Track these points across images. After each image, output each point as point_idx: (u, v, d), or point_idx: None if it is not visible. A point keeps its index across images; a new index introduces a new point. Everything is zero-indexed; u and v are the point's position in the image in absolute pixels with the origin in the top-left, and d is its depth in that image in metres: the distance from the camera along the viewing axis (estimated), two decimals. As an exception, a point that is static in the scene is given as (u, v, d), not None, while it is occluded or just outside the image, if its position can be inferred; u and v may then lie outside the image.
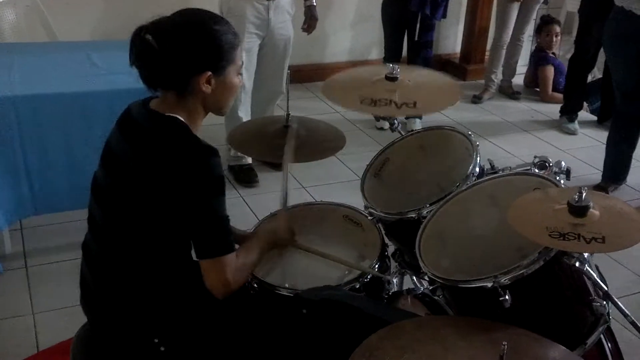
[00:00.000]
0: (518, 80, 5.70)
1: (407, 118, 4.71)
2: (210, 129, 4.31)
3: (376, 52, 5.62)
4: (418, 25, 4.52)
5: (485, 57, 5.76)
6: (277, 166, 3.82)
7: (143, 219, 1.69)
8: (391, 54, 4.67)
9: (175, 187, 1.63)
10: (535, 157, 2.01)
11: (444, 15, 4.64)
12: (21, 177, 2.93)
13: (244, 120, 3.73)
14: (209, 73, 1.68)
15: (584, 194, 1.60)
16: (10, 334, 2.66)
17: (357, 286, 1.90)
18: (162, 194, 1.64)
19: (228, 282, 1.68)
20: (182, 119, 1.70)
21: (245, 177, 3.93)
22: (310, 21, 3.96)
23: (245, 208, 3.64)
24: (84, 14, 4.50)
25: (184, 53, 1.66)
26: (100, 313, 1.81)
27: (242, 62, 1.78)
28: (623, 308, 1.78)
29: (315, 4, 3.92)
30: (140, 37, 1.66)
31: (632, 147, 3.91)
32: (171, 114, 1.70)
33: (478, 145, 2.16)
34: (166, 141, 1.66)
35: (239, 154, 3.79)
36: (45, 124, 2.89)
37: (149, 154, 1.66)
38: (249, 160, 3.95)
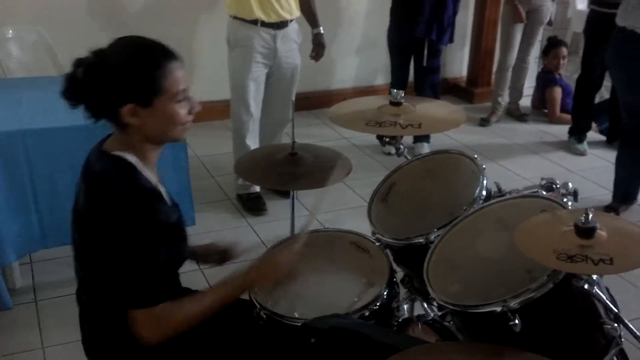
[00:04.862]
0: (525, 102, 5.69)
1: (414, 142, 4.71)
2: (218, 158, 4.39)
3: (382, 78, 5.64)
4: (425, 52, 4.51)
5: (492, 80, 5.77)
6: (284, 194, 3.83)
7: (105, 268, 1.63)
8: (398, 80, 4.65)
9: (112, 231, 1.57)
10: (542, 179, 2.01)
11: (451, 40, 4.62)
12: (30, 211, 2.94)
13: (252, 148, 3.76)
14: (132, 105, 1.59)
15: (591, 215, 1.59)
16: (21, 369, 2.65)
17: (367, 314, 1.88)
18: (106, 239, 1.59)
19: (147, 336, 1.60)
20: (129, 156, 1.65)
21: (253, 206, 3.92)
22: (318, 49, 3.98)
23: (254, 236, 3.64)
24: (91, 47, 4.54)
25: (102, 85, 1.60)
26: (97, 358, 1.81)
27: (181, 89, 1.62)
28: (635, 330, 1.76)
29: (322, 32, 3.95)
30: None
31: (642, 167, 3.88)
32: (117, 153, 1.65)
33: (484, 168, 2.16)
34: (106, 184, 1.61)
35: (247, 182, 3.80)
36: (53, 158, 2.91)
37: (94, 197, 1.62)
38: (257, 188, 3.95)
